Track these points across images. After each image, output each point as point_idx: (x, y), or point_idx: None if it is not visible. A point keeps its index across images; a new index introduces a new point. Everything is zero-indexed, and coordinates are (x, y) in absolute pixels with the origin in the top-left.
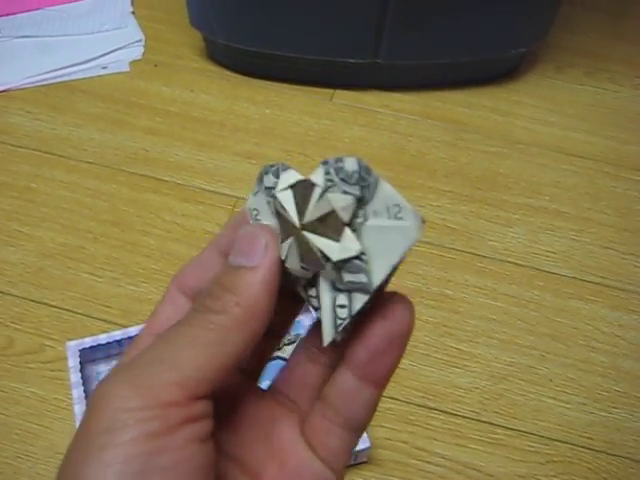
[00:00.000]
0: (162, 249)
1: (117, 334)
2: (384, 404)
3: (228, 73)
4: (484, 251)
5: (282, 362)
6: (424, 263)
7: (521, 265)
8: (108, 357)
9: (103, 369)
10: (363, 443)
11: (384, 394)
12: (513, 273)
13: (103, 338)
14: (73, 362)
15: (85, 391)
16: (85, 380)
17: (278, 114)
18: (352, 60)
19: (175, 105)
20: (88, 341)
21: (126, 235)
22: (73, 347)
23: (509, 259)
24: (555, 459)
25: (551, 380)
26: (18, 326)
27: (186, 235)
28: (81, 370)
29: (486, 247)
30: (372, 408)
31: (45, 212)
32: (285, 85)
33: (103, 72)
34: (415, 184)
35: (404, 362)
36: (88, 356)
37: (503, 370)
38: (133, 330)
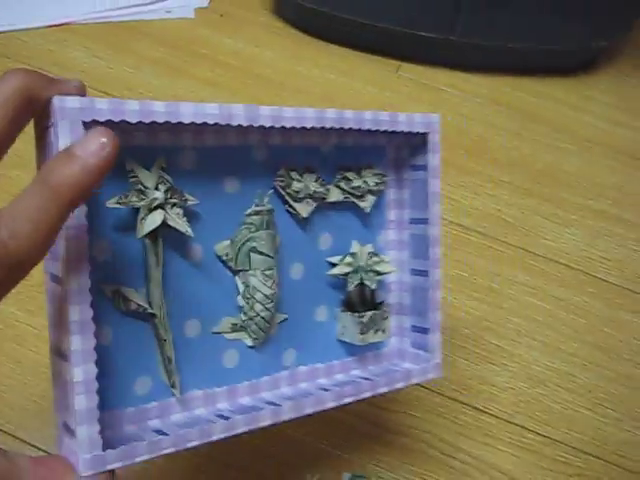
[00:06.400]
0: None
1: None
2: (414, 391)
3: (293, 32)
4: (537, 249)
5: None
6: (473, 253)
7: (573, 268)
8: None
9: None
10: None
11: None
12: (564, 275)
13: None
14: None
15: None
16: None
17: (342, 80)
18: (425, 34)
19: (237, 59)
20: None
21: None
22: None
23: (562, 260)
24: (586, 473)
25: (590, 391)
26: None
27: None
28: None
29: (539, 245)
30: None
31: None
32: (350, 51)
33: (167, 16)
34: (474, 170)
35: None
36: None
37: (542, 374)
38: None
